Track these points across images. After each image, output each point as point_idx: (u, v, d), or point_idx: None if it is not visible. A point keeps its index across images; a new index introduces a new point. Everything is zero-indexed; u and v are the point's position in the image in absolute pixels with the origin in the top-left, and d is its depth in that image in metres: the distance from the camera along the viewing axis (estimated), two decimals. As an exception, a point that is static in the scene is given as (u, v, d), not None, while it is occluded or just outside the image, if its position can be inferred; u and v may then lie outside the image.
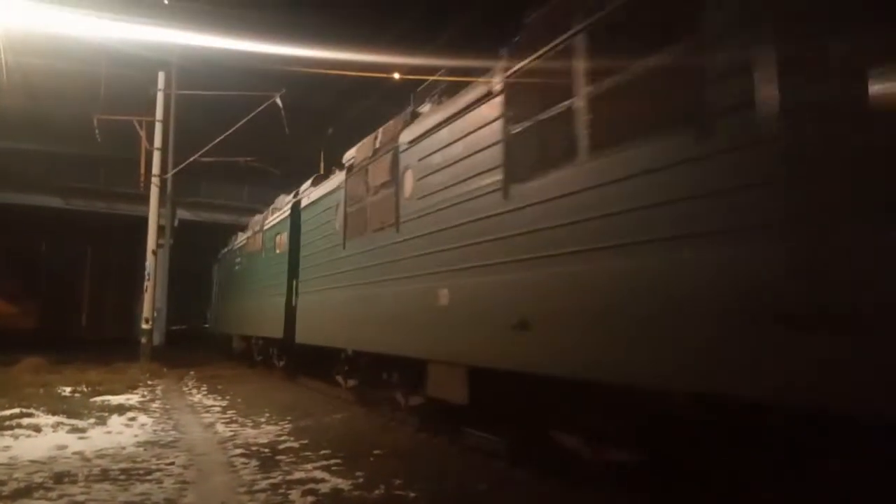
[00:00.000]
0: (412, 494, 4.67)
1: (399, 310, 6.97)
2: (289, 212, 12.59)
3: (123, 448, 6.26)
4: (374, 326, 7.60)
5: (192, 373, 14.92)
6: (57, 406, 8.50)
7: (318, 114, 23.36)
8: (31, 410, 8.08)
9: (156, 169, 16.42)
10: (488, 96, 5.52)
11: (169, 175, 18.48)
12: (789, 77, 2.90)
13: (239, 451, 6.22)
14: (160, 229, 17.30)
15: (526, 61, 5.02)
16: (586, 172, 4.20)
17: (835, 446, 2.97)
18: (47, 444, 6.35)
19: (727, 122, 3.18)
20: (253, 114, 15.65)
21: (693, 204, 3.32)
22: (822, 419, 2.86)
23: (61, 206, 29.92)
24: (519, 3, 5.56)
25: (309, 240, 10.98)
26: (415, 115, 7.33)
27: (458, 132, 6.00)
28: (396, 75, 11.66)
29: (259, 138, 18.19)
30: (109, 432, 7.11)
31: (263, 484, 4.94)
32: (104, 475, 5.13)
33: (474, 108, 5.77)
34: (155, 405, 9.41)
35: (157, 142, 16.49)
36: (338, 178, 9.67)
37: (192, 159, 17.71)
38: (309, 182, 11.96)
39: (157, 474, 5.20)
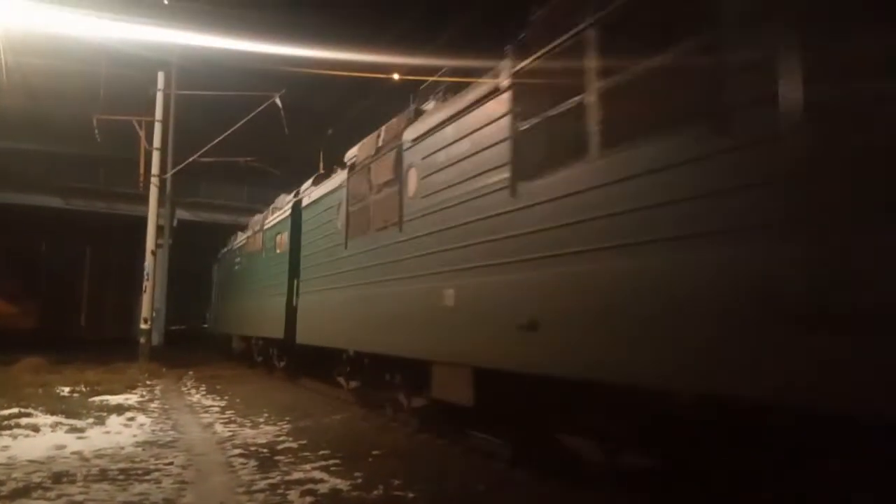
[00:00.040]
0: (411, 495, 4.66)
1: (403, 310, 6.89)
2: (289, 211, 12.54)
3: (122, 448, 6.26)
4: (377, 327, 7.52)
5: (190, 373, 14.92)
6: (56, 406, 8.49)
7: (317, 114, 23.36)
8: (30, 410, 8.07)
9: (155, 169, 16.42)
10: (495, 93, 5.44)
11: (168, 175, 18.48)
12: (813, 71, 2.82)
13: (237, 451, 6.21)
14: (159, 229, 17.31)
15: (535, 56, 4.93)
16: (598, 169, 4.11)
17: (835, 446, 2.97)
18: (46, 443, 6.35)
19: (747, 117, 3.10)
20: (252, 114, 15.66)
21: (712, 201, 3.23)
22: (822, 419, 2.86)
23: (61, 206, 29.92)
24: (519, 3, 5.56)
25: (310, 239, 10.91)
26: (418, 113, 7.25)
27: (464, 129, 5.91)
28: (396, 76, 11.66)
29: (258, 138, 18.20)
30: (108, 432, 7.10)
31: (262, 484, 4.93)
32: (103, 475, 5.12)
33: (481, 105, 5.67)
34: (154, 405, 9.40)
35: (157, 142, 16.49)
36: (339, 176, 9.59)
37: (191, 159, 17.71)
38: (310, 181, 11.88)
39: (156, 474, 5.19)
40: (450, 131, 6.20)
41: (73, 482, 4.89)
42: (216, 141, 16.52)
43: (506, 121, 5.22)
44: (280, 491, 4.75)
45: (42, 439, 6.60)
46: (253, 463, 5.67)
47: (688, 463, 4.04)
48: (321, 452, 6.08)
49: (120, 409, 8.57)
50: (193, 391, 11.65)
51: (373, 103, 18.88)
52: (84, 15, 11.56)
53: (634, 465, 4.54)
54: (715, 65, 3.30)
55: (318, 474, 5.27)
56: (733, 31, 3.25)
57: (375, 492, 4.73)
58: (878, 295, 2.51)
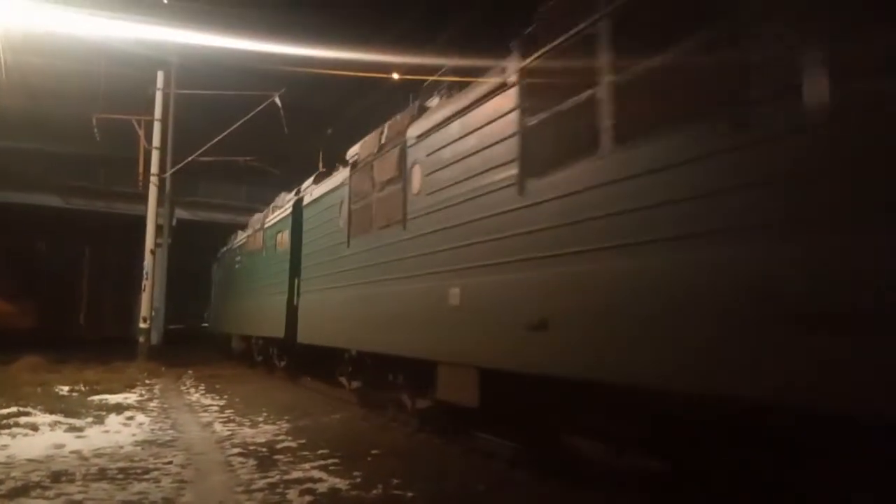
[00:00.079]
0: (410, 494, 4.66)
1: (406, 309, 6.80)
2: (290, 209, 12.48)
3: (121, 447, 6.25)
4: (380, 326, 7.44)
5: (190, 372, 14.91)
6: (54, 405, 8.48)
7: (317, 113, 23.33)
8: (29, 409, 8.07)
9: (154, 168, 16.43)
10: (503, 88, 5.34)
11: (167, 174, 18.46)
12: (840, 61, 2.75)
13: (237, 450, 6.20)
14: (158, 228, 17.31)
15: (544, 50, 4.83)
16: (611, 165, 4.02)
17: (835, 446, 2.96)
18: (45, 442, 6.34)
19: (769, 110, 3.02)
20: (252, 113, 15.66)
21: (734, 197, 3.13)
22: (822, 419, 2.85)
23: (60, 205, 29.85)
24: (518, 4, 5.53)
25: (311, 238, 10.85)
26: (423, 110, 7.16)
27: (471, 126, 5.82)
28: (395, 75, 11.65)
29: (258, 138, 18.18)
30: (107, 431, 7.10)
31: (261, 483, 4.93)
32: (102, 474, 5.12)
33: (488, 101, 5.58)
34: (153, 404, 9.40)
35: (156, 141, 16.50)
36: (341, 174, 9.51)
37: (190, 158, 17.69)
38: (311, 179, 11.81)
39: (155, 473, 5.19)
40: (455, 128, 6.10)
41: (71, 481, 4.89)
42: (215, 140, 16.51)
43: (513, 116, 5.13)
44: (279, 490, 4.75)
45: (41, 438, 6.59)
46: (252, 462, 5.67)
47: (688, 463, 4.04)
48: (320, 452, 6.08)
49: (119, 409, 8.57)
50: (192, 390, 11.64)
51: (372, 102, 18.90)
52: (84, 14, 11.55)
53: (639, 466, 4.53)
54: (735, 58, 3.21)
55: (317, 473, 5.26)
56: (755, 21, 3.16)
57: (374, 491, 4.73)
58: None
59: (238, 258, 18.29)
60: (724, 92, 3.29)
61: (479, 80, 5.81)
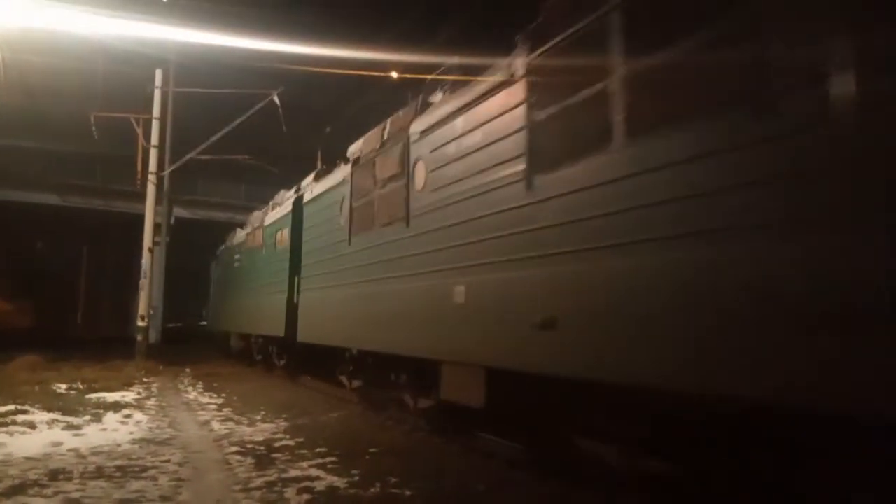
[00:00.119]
0: (408, 493, 4.65)
1: (409, 308, 6.71)
2: (290, 207, 12.41)
3: (119, 445, 6.24)
4: (382, 325, 7.36)
5: (188, 371, 14.89)
6: (52, 403, 8.46)
7: (315, 112, 23.31)
8: (27, 407, 8.05)
9: (153, 166, 16.38)
10: (509, 82, 5.24)
11: (166, 173, 18.42)
12: (870, 47, 2.65)
13: (234, 448, 6.19)
14: (157, 227, 17.28)
15: (554, 42, 4.72)
16: (623, 159, 3.91)
17: (835, 446, 2.96)
18: (42, 441, 6.33)
19: (793, 101, 2.92)
20: (251, 112, 15.66)
21: (754, 192, 3.04)
22: (822, 419, 2.85)
23: (58, 203, 29.81)
24: (518, 4, 5.49)
25: (312, 235, 10.79)
26: (426, 105, 7.07)
27: (476, 121, 5.70)
28: (394, 74, 11.64)
29: (256, 136, 18.19)
30: (105, 429, 7.08)
31: (259, 482, 4.91)
32: (99, 472, 5.10)
33: (494, 95, 5.47)
34: (150, 403, 9.38)
35: (155, 139, 16.45)
36: (342, 171, 9.41)
37: (189, 157, 17.68)
38: (311, 176, 11.74)
39: (153, 472, 5.18)
40: (460, 123, 5.98)
41: (69, 479, 4.87)
42: (214, 138, 16.51)
43: (521, 111, 5.02)
44: (277, 488, 4.73)
45: (38, 436, 6.58)
46: (250, 460, 5.65)
47: (688, 463, 4.04)
48: (318, 450, 6.06)
49: (117, 407, 8.54)
50: (190, 389, 11.62)
51: (371, 101, 18.86)
52: (82, 12, 11.52)
53: (639, 466, 4.52)
54: (755, 47, 3.12)
55: (314, 472, 5.25)
56: (775, 8, 3.08)
57: (372, 490, 4.71)
58: None
59: (237, 256, 18.24)
60: (746, 84, 3.18)
61: (485, 74, 5.70)
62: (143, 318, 15.78)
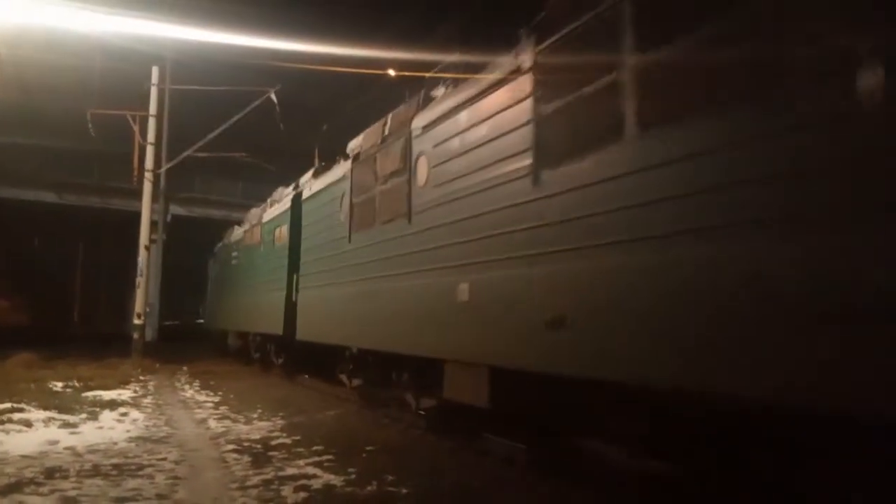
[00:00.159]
0: (404, 491, 4.64)
1: (412, 306, 6.60)
2: (289, 204, 12.31)
3: (115, 443, 6.22)
4: (383, 323, 7.26)
5: (184, 369, 14.86)
6: (48, 401, 8.44)
7: (312, 109, 23.29)
8: (23, 405, 8.03)
9: (149, 164, 16.35)
10: (515, 75, 5.09)
11: (162, 170, 18.39)
12: (880, 46, 2.58)
13: (231, 446, 6.17)
14: (153, 225, 17.21)
15: (562, 33, 4.59)
16: (635, 153, 3.80)
17: (835, 446, 2.95)
18: (38, 439, 6.30)
19: (812, 93, 2.83)
20: (248, 109, 15.62)
21: (771, 186, 2.94)
22: (822, 419, 2.84)
23: (54, 200, 29.80)
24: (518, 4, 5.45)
25: (311, 233, 10.69)
26: (428, 100, 6.94)
27: (481, 115, 5.55)
28: (392, 72, 11.61)
29: (253, 134, 18.16)
30: (101, 428, 7.06)
31: (255, 480, 4.90)
32: (95, 470, 5.09)
33: (499, 89, 5.32)
34: (147, 401, 9.37)
35: (151, 137, 16.41)
36: (342, 167, 9.28)
37: (185, 154, 17.65)
38: (310, 173, 11.64)
39: (149, 470, 5.16)
40: (464, 117, 5.85)
41: (65, 477, 4.86)
42: (211, 136, 16.47)
43: (527, 104, 4.88)
44: (273, 486, 4.72)
45: (34, 434, 6.56)
46: (246, 458, 5.64)
47: (688, 463, 4.03)
48: (315, 448, 6.05)
49: (113, 405, 8.52)
50: (187, 387, 11.60)
51: (369, 99, 18.84)
52: (78, 8, 11.48)
53: (638, 466, 4.51)
54: (774, 37, 3.02)
55: (311, 470, 5.24)
56: (788, 3, 2.99)
57: (369, 488, 4.71)
58: None
59: (235, 254, 18.17)
60: (762, 76, 3.09)
61: (490, 68, 5.59)
62: (139, 316, 15.75)
